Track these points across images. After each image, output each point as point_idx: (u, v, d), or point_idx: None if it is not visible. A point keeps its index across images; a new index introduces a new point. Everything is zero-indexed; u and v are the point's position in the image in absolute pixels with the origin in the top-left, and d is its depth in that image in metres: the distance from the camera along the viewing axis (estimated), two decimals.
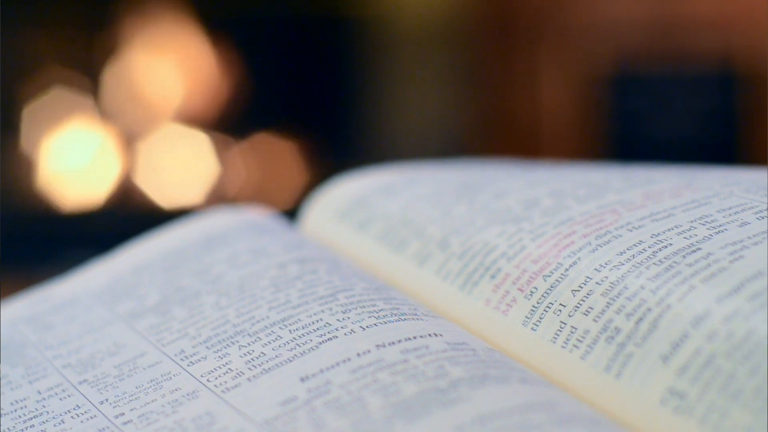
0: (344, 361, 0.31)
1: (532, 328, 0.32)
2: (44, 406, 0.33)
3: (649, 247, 0.32)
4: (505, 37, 1.74)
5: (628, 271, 0.32)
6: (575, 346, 0.31)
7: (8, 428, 0.33)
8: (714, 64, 1.66)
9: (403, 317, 0.33)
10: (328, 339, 0.32)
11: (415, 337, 0.32)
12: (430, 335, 0.32)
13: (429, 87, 1.74)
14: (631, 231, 0.34)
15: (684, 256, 0.31)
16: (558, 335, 0.32)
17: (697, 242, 0.32)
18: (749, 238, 0.32)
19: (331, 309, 0.34)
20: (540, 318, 0.33)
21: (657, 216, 0.34)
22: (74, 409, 0.33)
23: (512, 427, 0.27)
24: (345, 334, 0.32)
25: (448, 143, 1.71)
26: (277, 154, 1.74)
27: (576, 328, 0.31)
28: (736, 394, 0.27)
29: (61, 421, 0.32)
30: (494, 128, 1.77)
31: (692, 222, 0.33)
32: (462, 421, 0.27)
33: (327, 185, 0.45)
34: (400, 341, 0.32)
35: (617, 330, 0.30)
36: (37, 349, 0.37)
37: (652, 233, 0.33)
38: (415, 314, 0.34)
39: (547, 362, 0.31)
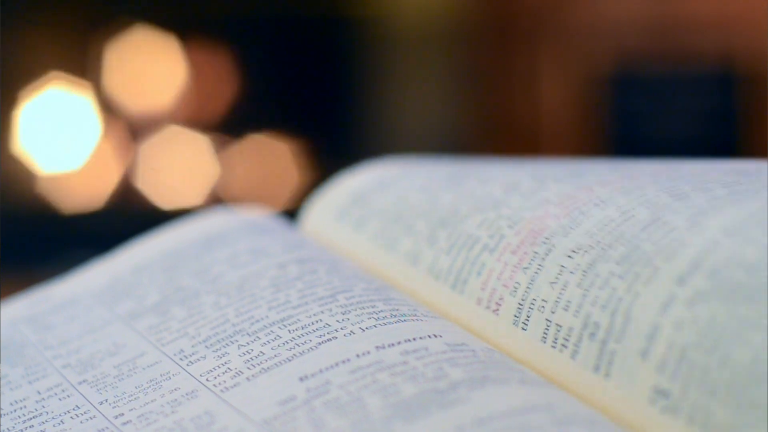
0: (344, 361, 0.31)
1: (523, 328, 0.32)
2: (44, 407, 0.33)
3: (614, 222, 0.32)
4: (505, 38, 1.74)
5: (598, 256, 0.31)
6: (564, 345, 0.31)
7: (8, 428, 0.33)
8: (714, 64, 1.66)
9: (402, 318, 0.33)
10: (328, 340, 0.32)
11: (414, 339, 0.32)
12: (429, 336, 0.32)
13: (429, 87, 1.74)
14: (598, 205, 0.33)
15: (645, 229, 0.31)
16: (546, 334, 0.31)
17: (659, 211, 0.32)
18: (708, 202, 0.31)
19: (330, 310, 0.34)
20: (527, 317, 0.32)
21: (627, 189, 0.34)
22: (74, 409, 0.33)
23: (512, 428, 0.27)
24: (344, 335, 0.32)
25: (448, 143, 1.71)
26: (276, 154, 1.74)
27: (561, 326, 0.31)
28: (713, 389, 0.27)
29: (61, 421, 0.32)
30: (494, 128, 1.77)
31: (658, 192, 0.33)
32: (461, 423, 0.27)
33: (327, 184, 0.45)
34: (399, 343, 0.32)
35: (597, 325, 0.30)
36: (37, 349, 0.37)
37: (618, 206, 0.33)
38: (415, 315, 0.34)
39: (541, 364, 0.31)
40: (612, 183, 0.35)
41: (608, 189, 0.34)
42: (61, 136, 1.70)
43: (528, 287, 0.33)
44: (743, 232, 0.29)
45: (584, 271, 0.31)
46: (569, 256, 0.32)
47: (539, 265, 0.33)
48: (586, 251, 0.32)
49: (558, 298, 0.32)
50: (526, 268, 0.33)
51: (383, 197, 0.42)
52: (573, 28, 1.71)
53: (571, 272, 0.32)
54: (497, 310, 0.33)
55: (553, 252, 0.33)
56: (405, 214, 0.40)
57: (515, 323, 0.33)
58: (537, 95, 1.73)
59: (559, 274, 0.32)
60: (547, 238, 0.33)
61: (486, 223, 0.36)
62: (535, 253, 0.33)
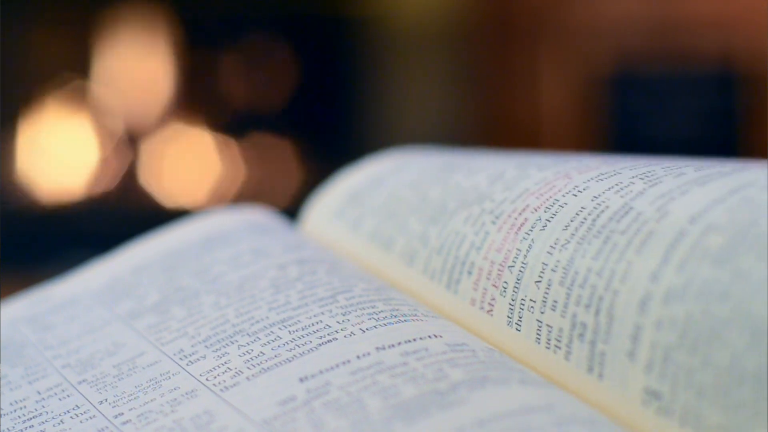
0: (344, 362, 0.31)
1: (516, 329, 0.32)
2: (44, 406, 0.33)
3: (589, 214, 0.32)
4: (505, 37, 1.74)
5: (575, 250, 0.31)
6: (557, 346, 0.31)
7: (8, 428, 0.33)
8: (714, 64, 1.66)
9: (403, 318, 0.33)
10: (328, 341, 0.32)
11: (414, 339, 0.32)
12: (429, 337, 0.32)
13: (429, 87, 1.74)
14: (575, 196, 0.33)
15: (618, 221, 0.31)
16: (539, 335, 0.31)
17: (630, 200, 0.31)
18: (679, 187, 0.31)
19: (331, 311, 0.34)
20: (519, 317, 0.32)
21: (603, 176, 0.34)
22: (73, 409, 0.33)
23: (512, 429, 0.27)
24: (345, 336, 0.32)
25: (449, 143, 1.71)
26: (277, 153, 1.74)
27: (551, 327, 0.31)
28: (700, 390, 0.26)
29: (61, 421, 0.32)
30: (494, 128, 1.77)
31: (633, 178, 0.33)
32: (461, 424, 0.27)
33: (326, 184, 0.45)
34: (399, 343, 0.32)
35: (584, 326, 0.30)
36: (37, 349, 0.37)
37: (593, 195, 0.33)
38: (415, 315, 0.34)
39: (538, 365, 0.31)
40: (591, 170, 0.35)
41: (585, 176, 0.34)
42: (62, 134, 1.70)
43: (515, 287, 0.33)
44: (706, 217, 0.29)
45: (564, 269, 0.31)
46: (549, 252, 0.32)
47: (522, 263, 0.33)
48: (563, 246, 0.32)
49: (544, 297, 0.31)
50: (511, 266, 0.33)
51: (377, 194, 0.42)
52: (573, 28, 1.71)
53: (553, 270, 0.32)
54: (491, 311, 0.33)
55: (534, 248, 0.33)
56: (398, 211, 0.40)
57: (509, 324, 0.33)
58: (537, 95, 1.74)
59: (542, 272, 0.32)
60: (527, 233, 0.33)
61: (471, 219, 0.36)
62: (518, 250, 0.33)
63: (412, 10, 1.72)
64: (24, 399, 0.34)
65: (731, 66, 1.65)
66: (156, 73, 1.72)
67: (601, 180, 0.33)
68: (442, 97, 1.75)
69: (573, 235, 0.32)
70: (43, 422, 0.33)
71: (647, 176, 0.32)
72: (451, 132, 1.74)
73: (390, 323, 0.33)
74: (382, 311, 0.34)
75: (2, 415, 0.33)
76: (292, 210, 0.51)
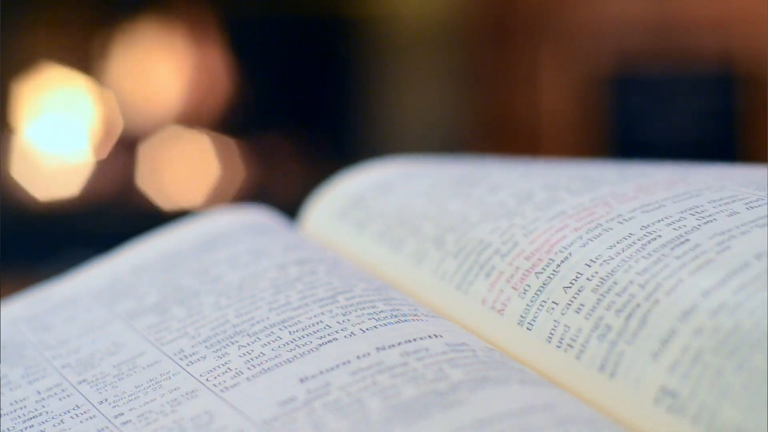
0: (344, 363, 0.31)
1: (528, 328, 0.33)
2: (43, 406, 0.33)
3: (638, 240, 0.33)
4: (505, 37, 1.74)
5: (618, 266, 0.32)
6: (570, 345, 0.31)
7: (8, 428, 0.33)
8: (714, 64, 1.66)
9: (403, 318, 0.33)
10: (328, 341, 0.32)
11: (414, 339, 0.32)
12: (429, 337, 0.32)
13: (429, 87, 1.74)
14: (621, 223, 0.34)
15: (672, 248, 0.31)
16: (552, 334, 0.32)
17: (685, 233, 0.32)
18: (737, 227, 0.32)
19: (331, 311, 0.34)
20: (534, 317, 0.33)
21: (648, 207, 0.34)
22: (73, 409, 0.33)
23: (512, 429, 0.27)
24: (345, 336, 0.32)
25: (449, 143, 1.71)
26: (277, 154, 1.74)
27: (569, 327, 0.31)
28: (725, 390, 0.27)
29: (61, 421, 0.32)
30: (494, 128, 1.77)
31: (682, 213, 0.33)
32: (461, 424, 0.27)
33: (327, 184, 0.45)
34: (399, 344, 0.32)
35: (608, 327, 0.30)
36: (37, 349, 0.37)
37: (641, 225, 0.33)
38: (416, 315, 0.34)
39: (544, 364, 0.31)
40: (629, 198, 0.35)
41: (627, 206, 0.35)
42: (60, 135, 1.70)
43: (539, 290, 0.33)
44: None
45: (602, 279, 0.32)
46: (587, 265, 0.33)
47: (554, 270, 0.33)
48: (605, 261, 0.32)
49: (570, 301, 0.32)
50: (539, 273, 0.33)
51: (385, 199, 0.42)
52: (573, 28, 1.71)
53: (588, 279, 0.32)
54: (502, 310, 0.34)
55: (570, 260, 0.33)
56: (410, 217, 0.40)
57: (520, 323, 0.33)
58: (537, 95, 1.74)
59: (574, 279, 0.32)
60: (564, 247, 0.34)
61: (498, 231, 0.36)
62: (551, 259, 0.34)
63: (412, 11, 1.72)
64: (24, 399, 0.34)
65: (731, 66, 1.65)
66: (156, 72, 1.72)
67: (647, 212, 0.34)
68: (442, 97, 1.75)
69: (619, 254, 0.32)
70: (43, 422, 0.33)
71: (697, 212, 0.33)
72: (451, 132, 1.74)
73: (390, 323, 0.33)
74: (382, 311, 0.34)
75: (2, 415, 0.33)
76: (292, 210, 0.51)
